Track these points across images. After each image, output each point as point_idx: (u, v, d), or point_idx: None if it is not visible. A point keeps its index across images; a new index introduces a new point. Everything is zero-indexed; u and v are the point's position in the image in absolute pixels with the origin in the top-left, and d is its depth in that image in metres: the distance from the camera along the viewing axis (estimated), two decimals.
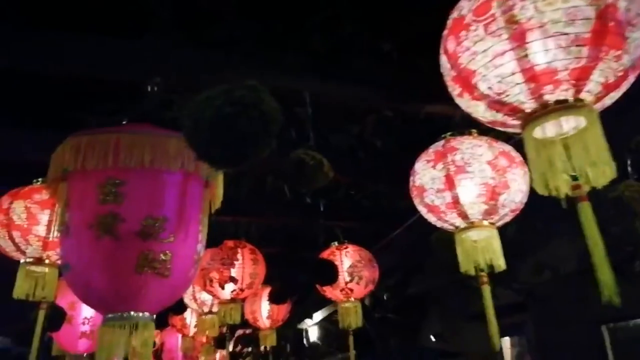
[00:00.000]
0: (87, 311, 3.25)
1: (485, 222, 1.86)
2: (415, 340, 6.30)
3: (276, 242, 4.17)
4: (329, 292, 3.27)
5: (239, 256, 3.08)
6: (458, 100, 1.31)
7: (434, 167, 1.89)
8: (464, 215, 1.86)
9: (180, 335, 5.07)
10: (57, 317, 2.70)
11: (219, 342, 4.34)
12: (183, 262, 1.49)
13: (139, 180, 1.45)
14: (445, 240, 2.59)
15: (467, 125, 1.97)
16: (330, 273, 2.63)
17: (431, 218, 1.98)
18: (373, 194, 3.89)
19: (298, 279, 4.14)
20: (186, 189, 1.53)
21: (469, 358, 6.19)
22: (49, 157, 1.69)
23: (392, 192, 4.08)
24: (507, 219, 1.90)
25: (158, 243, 1.42)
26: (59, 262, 2.22)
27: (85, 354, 3.29)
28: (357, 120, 3.09)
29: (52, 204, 2.15)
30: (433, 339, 6.49)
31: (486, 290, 1.86)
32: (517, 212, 1.90)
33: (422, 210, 1.99)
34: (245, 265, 3.09)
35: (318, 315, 6.00)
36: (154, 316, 1.48)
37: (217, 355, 6.33)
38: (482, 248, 1.86)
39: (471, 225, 1.88)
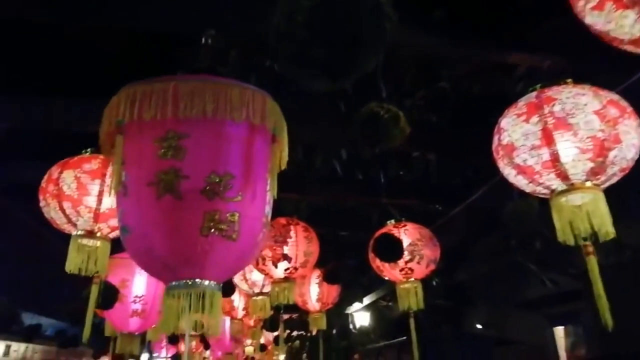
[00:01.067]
0: (138, 289, 3.18)
1: (589, 184, 1.61)
2: (462, 327, 6.06)
3: (327, 222, 3.99)
4: (387, 272, 3.07)
5: (292, 234, 2.92)
6: None
7: (526, 121, 1.64)
8: (563, 176, 1.60)
9: (228, 318, 5.01)
10: (110, 294, 2.62)
11: (272, 324, 4.22)
12: (252, 225, 1.32)
13: (201, 133, 1.28)
14: (522, 212, 2.33)
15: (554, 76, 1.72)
16: (395, 249, 2.42)
17: (521, 181, 1.73)
18: (433, 168, 3.65)
19: (350, 260, 3.96)
20: (252, 143, 1.35)
21: (520, 347, 5.89)
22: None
23: (453, 166, 3.83)
24: (615, 179, 1.64)
25: (224, 202, 1.25)
26: (110, 235, 2.12)
27: (137, 333, 3.24)
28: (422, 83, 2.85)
29: (102, 173, 2.04)
30: (479, 326, 6.23)
31: (592, 262, 1.61)
32: (627, 171, 1.63)
33: (510, 172, 1.74)
34: (299, 243, 2.92)
35: (366, 300, 5.82)
36: (221, 285, 1.31)
37: (262, 339, 6.30)
38: (586, 213, 1.60)
39: (571, 188, 1.62)
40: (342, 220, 4.16)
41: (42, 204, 2.04)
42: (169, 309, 1.25)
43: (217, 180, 1.26)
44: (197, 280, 1.26)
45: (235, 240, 1.27)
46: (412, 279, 3.02)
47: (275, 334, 5.22)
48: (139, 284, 3.20)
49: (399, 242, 2.53)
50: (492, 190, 3.01)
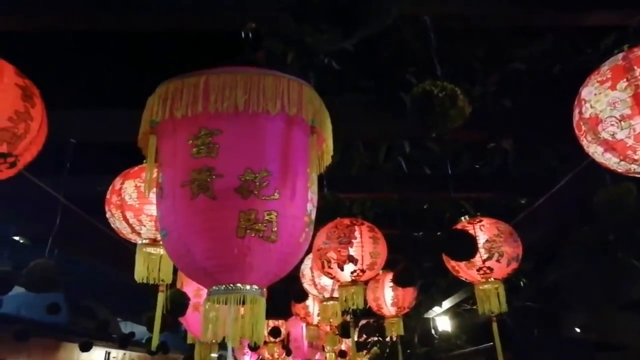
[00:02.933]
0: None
1: None
2: (557, 331, 5.51)
3: (396, 222, 3.80)
4: (463, 272, 2.83)
5: (357, 234, 2.78)
6: None
7: (612, 87, 1.39)
8: None
9: (304, 324, 4.97)
10: (180, 301, 2.65)
11: (344, 331, 4.11)
12: (292, 224, 1.22)
13: (233, 128, 1.21)
14: (618, 199, 2.02)
15: None
16: (467, 246, 2.20)
17: (611, 160, 1.47)
18: (511, 157, 3.34)
19: (425, 262, 3.74)
20: (289, 136, 1.25)
21: (626, 352, 5.25)
22: None
23: (533, 154, 3.49)
24: None
25: (261, 201, 1.17)
26: None
27: (213, 341, 3.27)
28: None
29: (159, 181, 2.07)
30: (578, 330, 5.64)
31: None
32: None
33: (597, 150, 1.48)
34: (365, 244, 2.78)
35: (446, 303, 5.50)
36: (264, 290, 1.23)
37: (343, 346, 6.19)
38: None
39: None
40: (412, 220, 3.95)
41: (107, 215, 2.11)
42: (209, 315, 1.18)
43: (252, 177, 1.17)
44: (237, 285, 1.18)
45: (275, 241, 1.17)
46: (492, 279, 2.76)
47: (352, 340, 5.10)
48: None
49: (470, 238, 2.30)
50: (580, 177, 2.67)
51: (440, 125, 1.39)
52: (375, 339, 5.23)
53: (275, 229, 1.17)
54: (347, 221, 2.84)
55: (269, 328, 5.76)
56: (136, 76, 2.58)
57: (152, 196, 2.00)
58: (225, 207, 1.16)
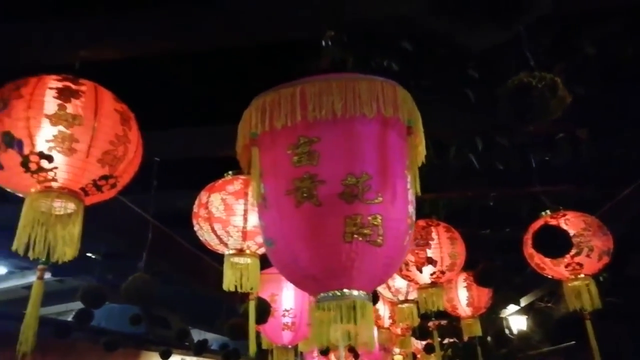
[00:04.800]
0: (286, 303, 3.28)
1: None
2: None
3: (468, 220, 3.70)
4: (549, 269, 2.71)
5: (434, 235, 2.73)
6: None
7: None
8: None
9: (375, 328, 4.93)
10: (263, 309, 2.71)
11: (421, 333, 4.04)
12: (396, 227, 1.21)
13: (332, 134, 1.22)
14: None
15: None
16: (561, 242, 2.10)
17: None
18: (586, 147, 3.17)
19: (499, 260, 3.61)
20: (386, 139, 1.25)
21: None
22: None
23: (611, 143, 3.29)
24: None
25: (365, 205, 1.17)
26: (258, 251, 2.19)
27: (290, 346, 3.33)
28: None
29: (244, 192, 2.12)
30: None
31: None
32: None
33: None
34: (443, 245, 2.73)
35: (522, 301, 5.27)
36: (371, 295, 1.23)
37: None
38: None
39: None
40: (484, 218, 3.83)
41: (196, 227, 2.19)
42: (319, 321, 1.19)
43: (354, 182, 1.18)
44: (345, 290, 1.18)
45: (381, 245, 1.17)
46: (582, 275, 2.62)
47: (425, 342, 5.00)
48: (287, 298, 3.30)
49: (564, 233, 2.19)
50: None
51: (539, 116, 1.34)
52: (451, 340, 5.10)
53: (381, 232, 1.17)
54: (422, 222, 2.80)
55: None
56: (211, 94, 2.67)
57: (238, 207, 2.09)
58: (331, 213, 1.17)
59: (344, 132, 1.23)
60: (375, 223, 1.17)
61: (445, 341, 5.22)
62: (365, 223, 1.16)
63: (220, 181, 2.19)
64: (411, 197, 1.29)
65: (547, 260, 2.58)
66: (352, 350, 6.39)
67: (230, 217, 2.08)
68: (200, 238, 2.21)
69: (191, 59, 2.56)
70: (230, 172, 2.26)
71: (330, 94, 1.22)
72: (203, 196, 2.18)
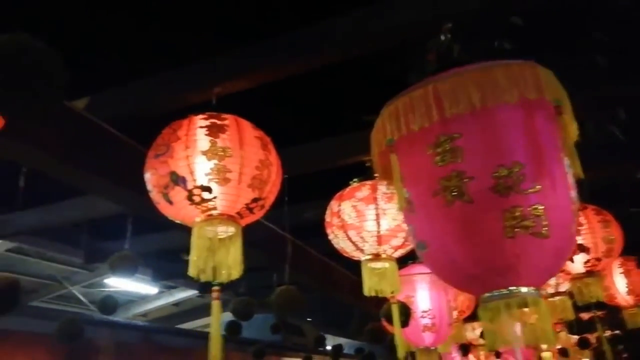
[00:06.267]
0: (423, 304, 3.22)
1: None
2: None
3: (615, 200, 3.31)
4: None
5: (583, 220, 2.49)
6: None
7: None
8: None
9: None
10: (405, 312, 2.69)
11: (580, 327, 3.70)
12: (561, 215, 1.12)
13: (473, 127, 1.17)
14: None
15: None
16: None
17: None
18: None
19: None
20: (533, 123, 1.17)
21: None
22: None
23: None
24: None
25: (522, 196, 1.10)
26: (394, 255, 2.19)
27: (432, 347, 3.26)
28: None
29: (373, 198, 2.14)
30: None
31: None
32: None
33: None
34: (594, 230, 2.47)
35: None
36: (540, 291, 1.15)
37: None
38: None
39: None
40: (634, 195, 3.40)
41: (330, 236, 2.25)
42: (488, 322, 1.14)
43: (506, 173, 1.12)
44: (513, 288, 1.12)
45: (548, 236, 1.09)
46: None
47: (578, 337, 4.57)
48: (423, 299, 3.24)
49: None
50: None
51: None
52: (613, 332, 4.59)
53: (545, 222, 1.09)
54: None
55: (479, 330, 5.51)
56: (330, 107, 2.76)
57: (369, 212, 2.11)
58: (486, 208, 1.12)
59: (486, 124, 1.18)
60: (537, 213, 1.10)
61: (607, 334, 4.71)
62: (526, 215, 1.09)
63: (348, 189, 2.24)
64: (571, 180, 1.18)
65: None
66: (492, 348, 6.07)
67: (363, 223, 2.11)
68: (336, 246, 2.27)
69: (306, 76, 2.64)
70: (355, 180, 2.29)
71: (465, 87, 1.17)
72: (334, 205, 2.24)
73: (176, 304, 8.37)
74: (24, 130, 1.48)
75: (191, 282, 6.10)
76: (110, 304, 3.31)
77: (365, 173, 2.35)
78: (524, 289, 1.12)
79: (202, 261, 1.49)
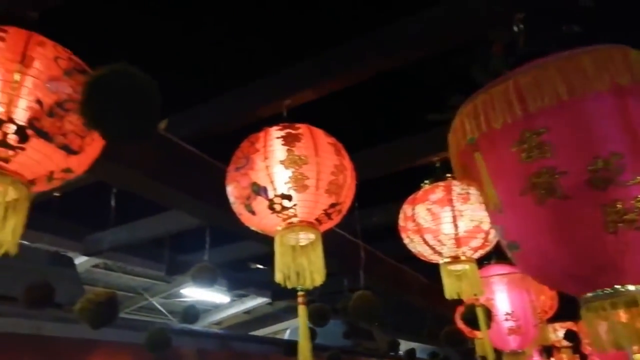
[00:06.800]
0: (503, 306, 3.10)
1: None
2: None
3: None
4: None
5: None
6: None
7: None
8: None
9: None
10: (486, 315, 2.60)
11: None
12: None
13: (561, 120, 1.12)
14: None
15: None
16: None
17: None
18: None
19: None
20: (628, 110, 1.10)
21: None
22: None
23: None
24: None
25: (623, 188, 1.04)
26: (474, 256, 2.13)
27: (519, 350, 3.12)
28: None
29: (448, 199, 2.10)
30: None
31: None
32: None
33: None
34: None
35: None
36: None
37: None
38: None
39: None
40: None
41: (406, 241, 2.23)
42: (591, 325, 1.09)
43: (603, 165, 1.06)
44: (618, 287, 1.06)
45: None
46: None
47: None
48: (503, 301, 3.11)
49: None
50: None
51: None
52: None
53: None
54: None
55: (562, 331, 5.22)
56: (389, 112, 2.74)
57: (445, 215, 2.06)
58: (583, 204, 1.07)
59: (576, 115, 1.12)
60: None
61: None
62: (629, 208, 1.03)
63: (420, 192, 2.21)
64: None
65: None
66: (576, 350, 5.72)
67: (440, 226, 2.07)
68: (413, 250, 2.24)
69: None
70: (426, 182, 2.26)
71: (549, 79, 1.13)
72: (407, 209, 2.21)
73: (247, 311, 8.60)
74: (120, 153, 1.60)
75: (261, 290, 6.29)
76: (192, 313, 3.47)
77: (431, 174, 2.30)
78: (631, 287, 1.05)
79: (286, 268, 1.53)
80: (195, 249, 4.05)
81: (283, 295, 6.27)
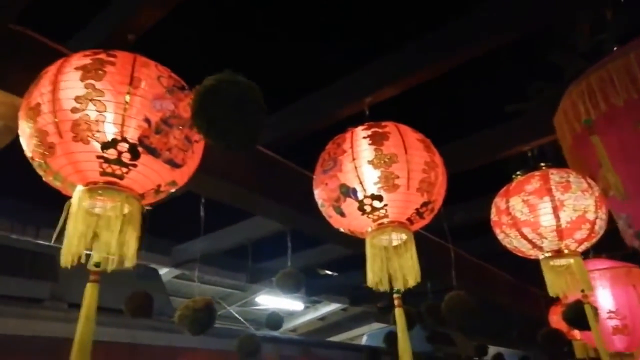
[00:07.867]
0: (606, 303, 2.85)
1: None
2: None
3: None
4: None
5: None
6: None
7: None
8: None
9: None
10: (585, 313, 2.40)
11: None
12: None
13: None
14: None
15: None
16: None
17: None
18: None
19: None
20: None
21: None
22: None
23: None
24: None
25: None
26: (579, 249, 1.97)
27: (627, 352, 2.85)
28: None
29: (546, 189, 1.95)
30: None
31: None
32: None
33: None
34: None
35: None
36: None
37: None
38: None
39: None
40: None
41: (500, 236, 2.11)
42: None
43: None
44: None
45: None
46: None
47: None
48: (605, 298, 2.87)
49: None
50: None
51: None
52: None
53: None
54: None
55: None
56: (462, 106, 2.64)
57: (544, 206, 1.93)
58: None
59: None
60: None
61: None
62: None
63: (514, 183, 2.08)
64: None
65: None
66: None
67: (539, 218, 1.93)
68: (508, 246, 2.11)
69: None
70: (519, 172, 2.13)
71: None
72: (500, 202, 2.09)
73: (321, 318, 8.62)
74: (212, 163, 1.64)
75: (338, 297, 6.26)
76: (275, 320, 3.51)
77: (522, 165, 2.17)
78: None
79: (378, 270, 1.49)
80: (274, 256, 4.10)
81: (361, 300, 6.21)
